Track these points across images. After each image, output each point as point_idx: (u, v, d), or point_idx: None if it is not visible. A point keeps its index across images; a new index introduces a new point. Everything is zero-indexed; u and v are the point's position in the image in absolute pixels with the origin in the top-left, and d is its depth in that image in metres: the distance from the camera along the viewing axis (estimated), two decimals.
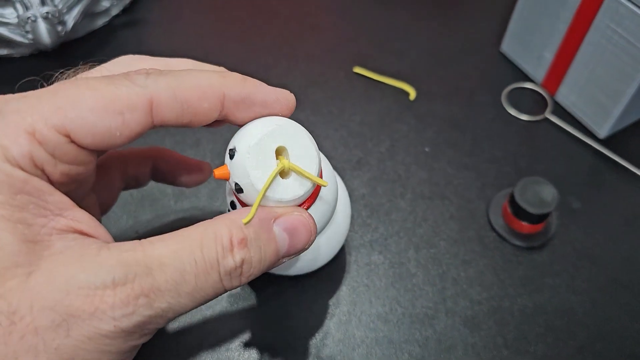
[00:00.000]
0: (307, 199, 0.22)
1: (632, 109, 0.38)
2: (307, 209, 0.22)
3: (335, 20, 0.47)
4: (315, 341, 0.30)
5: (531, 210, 0.32)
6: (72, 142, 0.19)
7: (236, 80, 0.21)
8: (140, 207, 0.35)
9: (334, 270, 0.33)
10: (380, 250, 0.34)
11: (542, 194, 0.33)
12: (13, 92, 0.39)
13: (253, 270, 0.20)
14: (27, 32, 0.39)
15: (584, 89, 0.39)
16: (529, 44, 0.42)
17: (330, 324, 0.31)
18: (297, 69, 0.43)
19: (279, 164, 0.20)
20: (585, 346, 0.30)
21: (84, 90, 0.19)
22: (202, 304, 0.19)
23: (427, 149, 0.38)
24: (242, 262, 0.20)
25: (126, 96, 0.19)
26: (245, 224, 0.20)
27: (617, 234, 0.35)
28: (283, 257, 0.21)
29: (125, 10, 0.46)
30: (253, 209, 0.20)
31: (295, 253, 0.21)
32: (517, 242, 0.34)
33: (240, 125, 0.22)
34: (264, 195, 0.20)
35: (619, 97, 0.37)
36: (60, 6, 0.39)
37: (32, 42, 0.40)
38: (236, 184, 0.20)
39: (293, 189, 0.20)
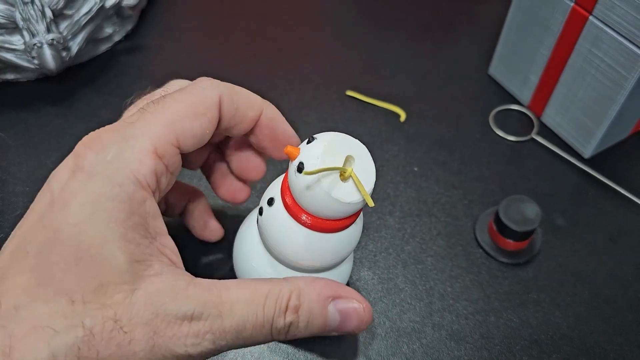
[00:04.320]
0: (354, 214, 0.24)
1: (615, 129, 0.39)
2: (349, 224, 0.24)
3: (329, 45, 0.49)
4: (304, 356, 0.31)
5: (515, 227, 0.33)
6: (180, 151, 0.23)
7: (273, 107, 0.27)
8: None
9: None
10: (369, 266, 0.35)
11: (526, 212, 0.34)
12: (19, 114, 0.41)
13: (298, 333, 0.23)
14: (33, 57, 0.41)
15: (569, 111, 0.41)
16: (515, 67, 0.44)
17: (320, 338, 0.32)
18: (292, 92, 0.45)
19: (345, 163, 0.22)
20: (569, 359, 0.31)
21: (175, 104, 0.23)
22: (251, 345, 0.23)
23: (416, 169, 0.40)
24: (290, 324, 0.23)
25: (204, 99, 0.24)
26: (308, 174, 0.21)
27: (601, 250, 0.36)
28: (332, 331, 0.24)
29: (127, 37, 0.48)
30: (317, 170, 0.21)
31: (345, 332, 0.24)
32: (503, 259, 0.35)
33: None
34: (323, 171, 0.21)
35: (602, 119, 0.38)
36: (65, 33, 0.41)
37: (37, 67, 0.41)
38: (300, 162, 0.22)
39: (351, 194, 0.22)
